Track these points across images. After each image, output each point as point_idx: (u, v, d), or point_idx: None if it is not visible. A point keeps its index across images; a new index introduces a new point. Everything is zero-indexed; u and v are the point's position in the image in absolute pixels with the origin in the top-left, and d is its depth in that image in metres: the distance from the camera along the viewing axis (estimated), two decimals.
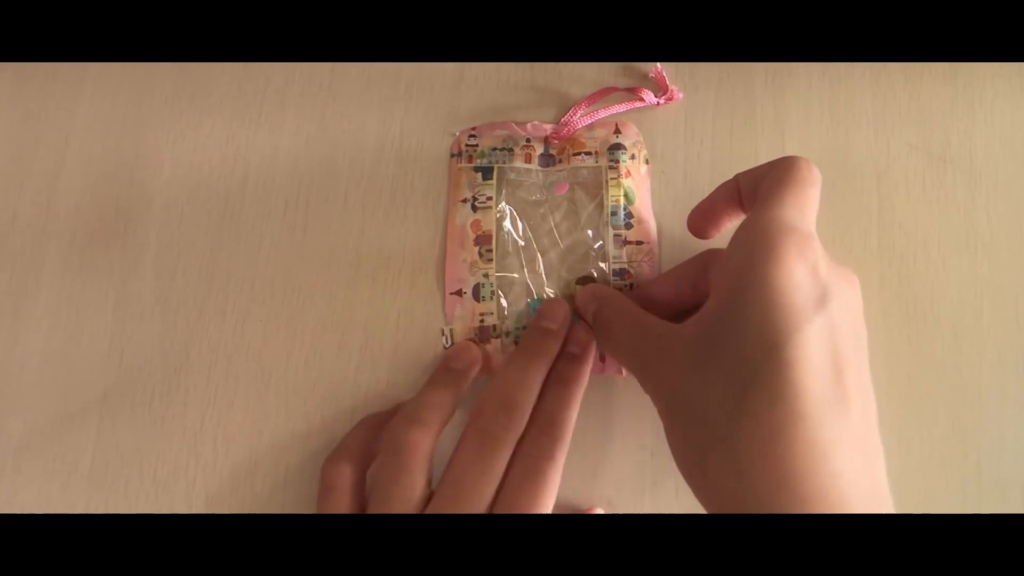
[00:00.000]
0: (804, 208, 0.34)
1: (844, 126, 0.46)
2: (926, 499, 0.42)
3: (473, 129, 0.46)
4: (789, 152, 0.45)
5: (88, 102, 0.47)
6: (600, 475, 0.42)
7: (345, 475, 0.38)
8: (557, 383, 0.39)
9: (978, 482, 0.42)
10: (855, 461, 0.30)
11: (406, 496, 0.36)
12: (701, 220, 0.41)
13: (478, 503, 0.36)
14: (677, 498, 0.42)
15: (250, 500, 0.42)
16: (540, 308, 0.42)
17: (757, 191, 0.36)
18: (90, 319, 0.44)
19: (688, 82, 0.46)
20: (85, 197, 0.46)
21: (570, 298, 0.43)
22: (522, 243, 0.44)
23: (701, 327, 0.33)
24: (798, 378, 0.29)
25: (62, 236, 0.45)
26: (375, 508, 0.37)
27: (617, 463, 0.42)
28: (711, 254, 0.40)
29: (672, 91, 0.45)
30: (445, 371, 0.41)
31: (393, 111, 0.47)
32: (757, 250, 0.32)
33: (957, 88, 0.47)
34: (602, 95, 0.45)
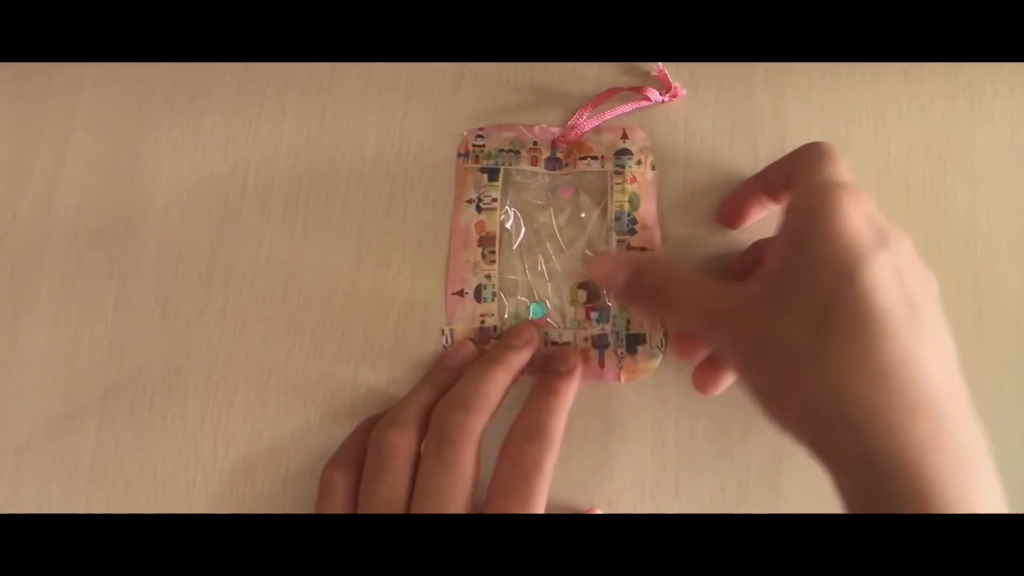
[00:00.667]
0: (845, 173, 0.36)
1: (844, 126, 0.46)
2: None
3: (481, 130, 0.46)
4: (789, 152, 0.45)
5: (88, 102, 0.47)
6: (600, 475, 0.42)
7: (339, 479, 0.38)
8: (543, 393, 0.39)
9: None
10: (942, 372, 0.32)
11: (389, 498, 0.36)
12: (731, 209, 0.43)
13: (448, 502, 0.36)
14: (677, 498, 0.42)
15: (250, 500, 0.42)
16: (509, 329, 0.42)
17: (790, 175, 0.38)
18: (90, 319, 0.44)
19: (688, 82, 0.46)
20: (85, 197, 0.46)
21: (571, 303, 0.43)
22: (525, 246, 0.44)
23: (770, 275, 0.34)
24: (877, 299, 0.31)
25: (62, 236, 0.45)
26: (362, 510, 0.37)
27: (617, 463, 0.42)
28: (760, 242, 0.42)
29: (676, 88, 0.45)
30: (439, 369, 0.42)
31: (393, 111, 0.47)
32: (815, 204, 0.33)
33: (957, 88, 0.47)
34: (607, 96, 0.45)
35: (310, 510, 0.41)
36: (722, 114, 0.46)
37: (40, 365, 0.44)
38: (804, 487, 0.42)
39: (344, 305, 0.44)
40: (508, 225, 0.44)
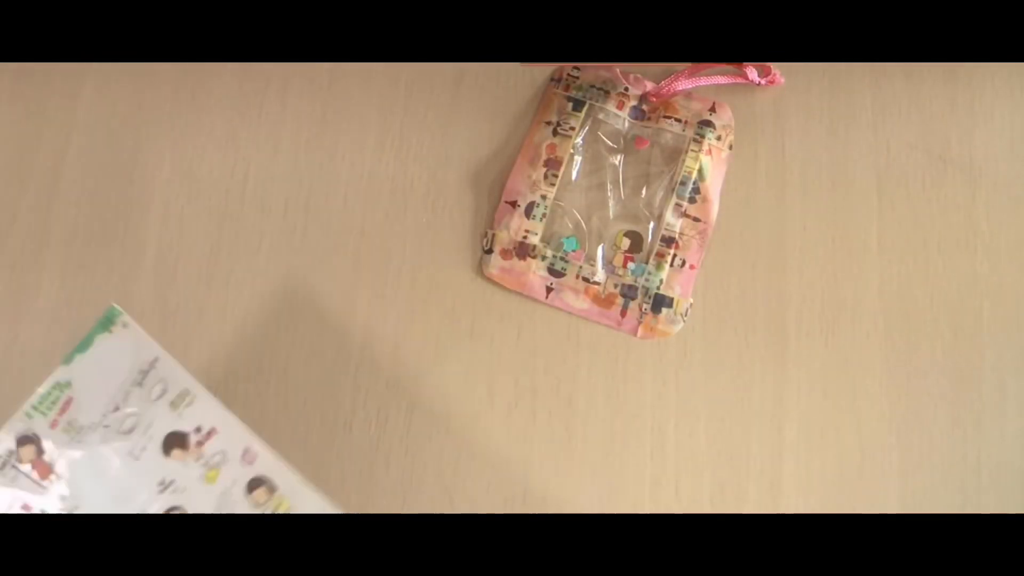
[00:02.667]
0: None
1: (844, 126, 0.46)
2: (926, 499, 0.42)
3: (577, 65, 0.46)
4: (788, 152, 0.45)
5: (88, 102, 0.47)
6: (600, 475, 0.42)
7: None
8: None
9: (978, 481, 0.42)
10: None
11: None
12: None
13: None
14: (677, 498, 0.42)
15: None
16: None
17: None
18: (90, 319, 0.44)
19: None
20: (85, 197, 0.46)
21: (613, 247, 0.44)
22: (587, 182, 0.45)
23: None
24: None
25: (62, 236, 0.45)
26: None
27: (617, 463, 0.42)
28: None
29: (775, 74, 0.45)
30: None
31: (393, 111, 0.47)
32: None
33: (957, 88, 0.47)
34: (706, 66, 0.45)
35: None
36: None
37: (40, 365, 0.44)
38: (804, 487, 0.42)
39: (344, 305, 0.44)
40: (576, 158, 0.45)
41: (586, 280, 0.44)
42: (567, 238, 0.44)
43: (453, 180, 0.46)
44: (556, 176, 0.44)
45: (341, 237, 0.45)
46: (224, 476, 0.36)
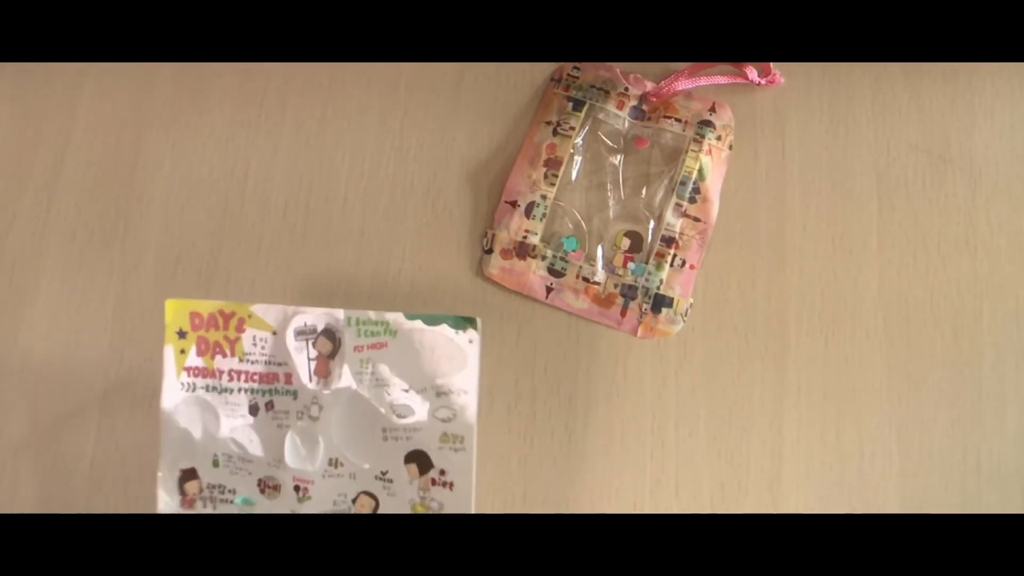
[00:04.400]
0: None
1: (844, 126, 0.46)
2: (926, 499, 0.42)
3: (578, 65, 0.47)
4: (788, 152, 0.45)
5: (88, 102, 0.47)
6: (600, 475, 0.42)
7: None
8: None
9: (978, 481, 0.42)
10: None
11: None
12: None
13: None
14: (677, 498, 0.42)
15: None
16: None
17: None
18: (90, 319, 0.44)
19: None
20: (85, 197, 0.46)
21: (613, 247, 0.44)
22: (587, 181, 0.45)
23: None
24: None
25: (62, 236, 0.45)
26: None
27: (617, 463, 0.42)
28: None
29: (775, 74, 0.45)
30: None
31: (393, 111, 0.47)
32: None
33: (957, 88, 0.47)
34: (706, 66, 0.45)
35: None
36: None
37: (40, 365, 0.44)
38: (804, 487, 0.42)
39: (344, 305, 0.44)
40: (576, 158, 0.45)
41: (586, 280, 0.44)
42: (567, 238, 0.44)
43: (453, 180, 0.46)
44: (556, 176, 0.44)
45: (341, 237, 0.45)
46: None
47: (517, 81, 0.47)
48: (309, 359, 0.37)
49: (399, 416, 0.37)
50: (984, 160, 0.46)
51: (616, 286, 0.44)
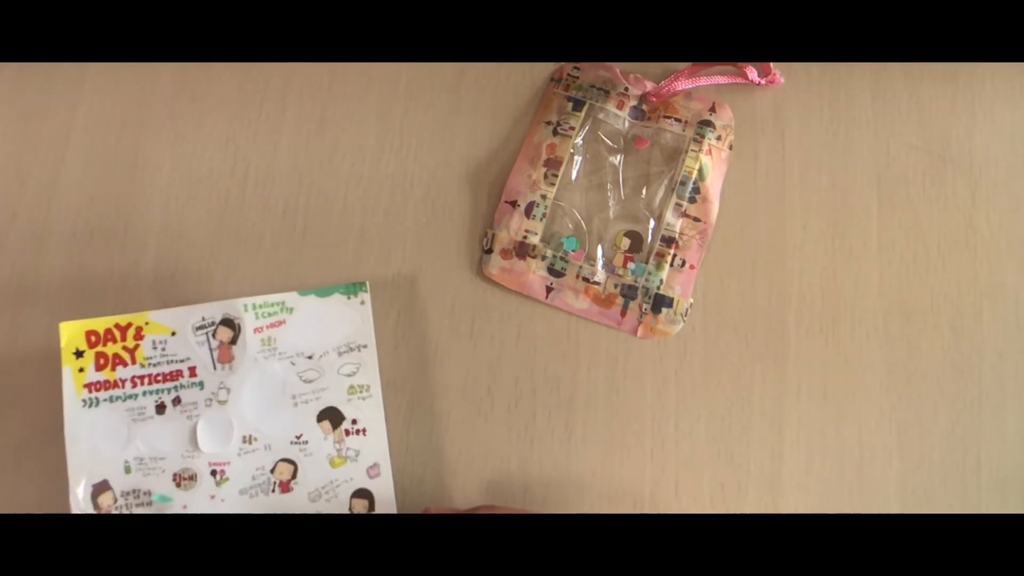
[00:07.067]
0: None
1: (844, 126, 0.46)
2: (926, 499, 0.42)
3: (578, 65, 0.47)
4: (788, 152, 0.45)
5: (88, 102, 0.47)
6: (600, 475, 0.42)
7: None
8: None
9: (978, 481, 0.42)
10: None
11: None
12: None
13: None
14: (677, 498, 0.42)
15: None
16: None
17: None
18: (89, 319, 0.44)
19: None
20: (85, 197, 0.46)
21: (613, 247, 0.44)
22: (587, 181, 0.45)
23: None
24: None
25: (62, 236, 0.45)
26: None
27: (617, 463, 0.42)
28: None
29: (775, 74, 0.45)
30: None
31: (393, 111, 0.47)
32: None
33: (957, 88, 0.47)
34: (706, 66, 0.45)
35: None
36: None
37: (40, 365, 0.44)
38: (804, 487, 0.42)
39: None
40: (576, 158, 0.45)
41: (586, 280, 0.44)
42: (567, 238, 0.44)
43: (453, 180, 0.46)
44: (556, 176, 0.44)
45: (341, 237, 0.45)
46: (346, 470, 0.39)
47: (517, 81, 0.47)
48: (211, 349, 0.40)
49: (306, 381, 0.40)
50: (984, 160, 0.46)
51: (616, 286, 0.44)
